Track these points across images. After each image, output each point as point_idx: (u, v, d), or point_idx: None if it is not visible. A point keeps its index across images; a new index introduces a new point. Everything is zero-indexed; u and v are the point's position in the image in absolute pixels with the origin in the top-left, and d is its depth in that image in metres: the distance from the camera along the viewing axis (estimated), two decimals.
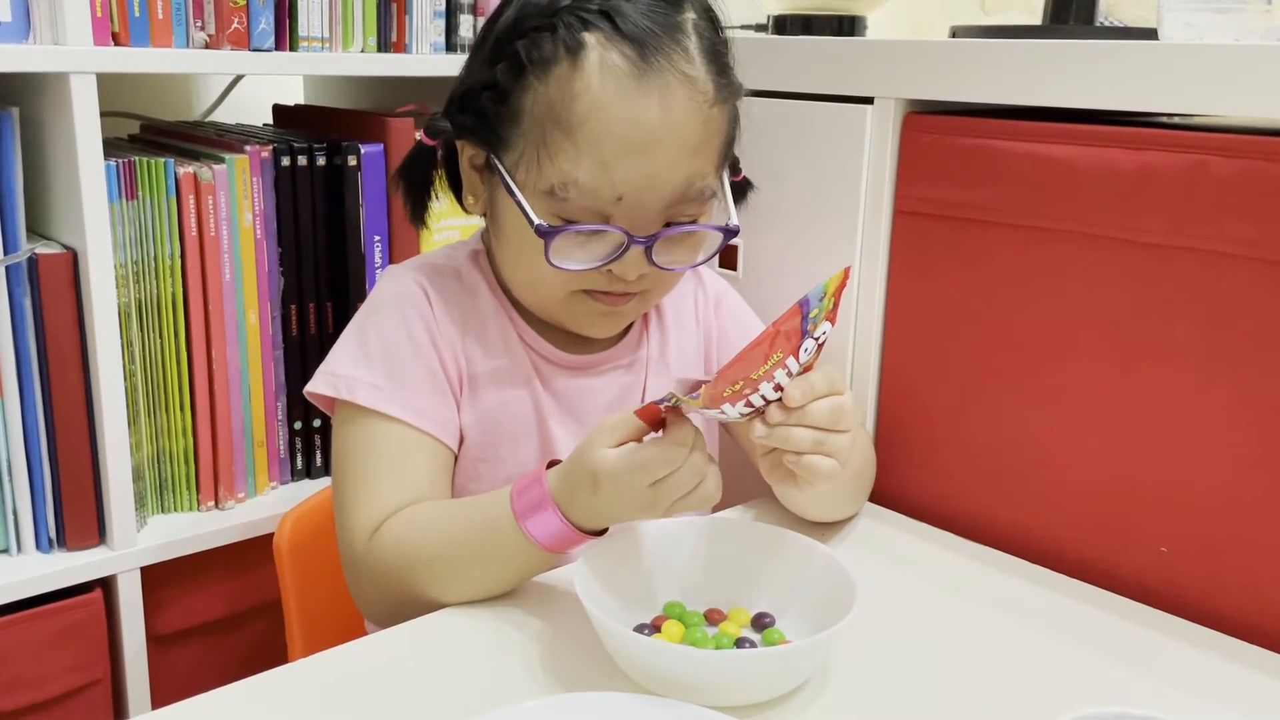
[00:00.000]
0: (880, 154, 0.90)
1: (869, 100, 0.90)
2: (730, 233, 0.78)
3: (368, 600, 0.78)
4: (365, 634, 0.87)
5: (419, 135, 0.83)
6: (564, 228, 0.74)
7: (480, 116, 0.77)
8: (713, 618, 0.72)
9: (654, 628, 0.70)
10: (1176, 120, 0.83)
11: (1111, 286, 0.79)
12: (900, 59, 0.88)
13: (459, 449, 0.82)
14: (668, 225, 0.76)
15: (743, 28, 1.43)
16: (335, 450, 0.80)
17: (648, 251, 0.75)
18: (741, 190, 0.86)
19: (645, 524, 0.74)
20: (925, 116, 0.88)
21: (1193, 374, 0.76)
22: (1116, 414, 0.80)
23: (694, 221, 0.77)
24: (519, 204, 0.74)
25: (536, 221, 0.74)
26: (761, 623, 0.71)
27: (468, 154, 0.80)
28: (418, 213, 0.88)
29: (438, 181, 0.86)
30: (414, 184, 0.86)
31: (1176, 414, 0.77)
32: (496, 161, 0.77)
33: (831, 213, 0.94)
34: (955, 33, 1.04)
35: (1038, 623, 0.75)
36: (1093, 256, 0.79)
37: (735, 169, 0.84)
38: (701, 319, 0.92)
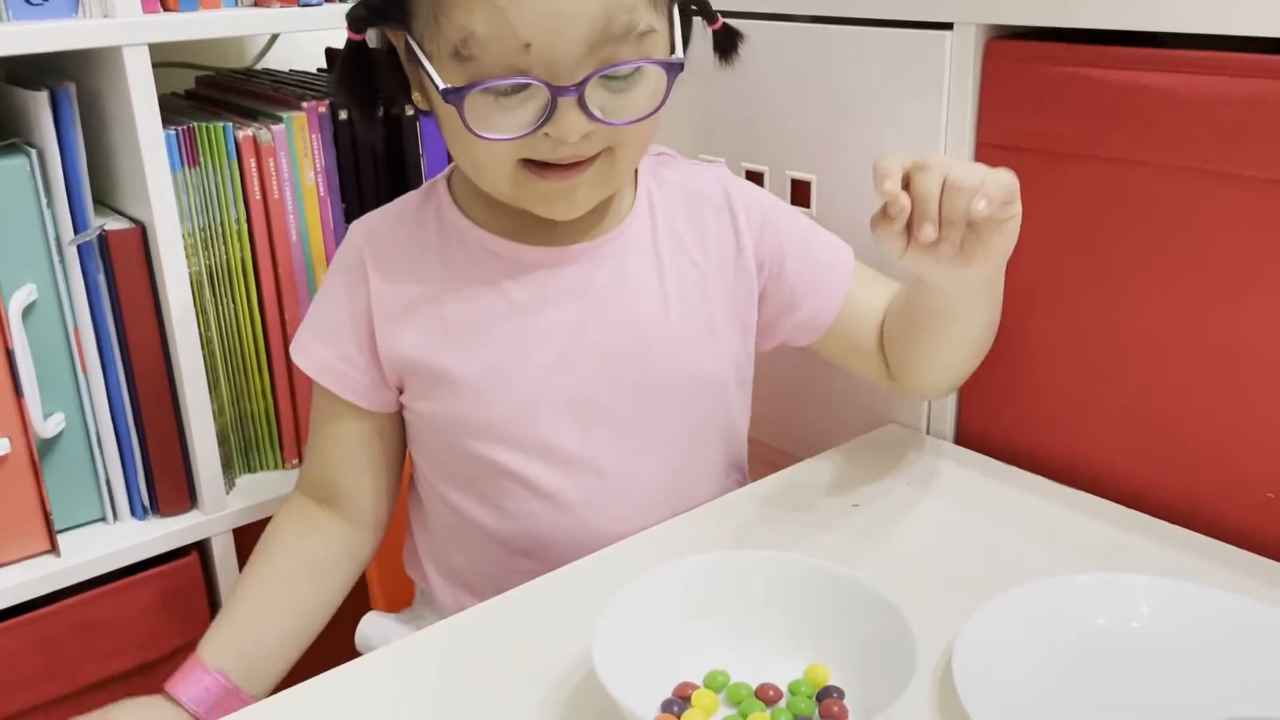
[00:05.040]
0: (961, 84, 0.85)
1: (948, 26, 0.85)
2: (674, 68, 0.70)
3: None
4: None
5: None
6: (471, 86, 0.67)
7: None
8: (765, 696, 0.62)
9: (683, 699, 0.61)
10: None
11: (1215, 223, 0.75)
12: None
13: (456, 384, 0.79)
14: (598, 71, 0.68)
15: None
16: None
17: (581, 104, 0.67)
18: (729, 40, 0.79)
19: (687, 562, 0.67)
20: (1009, 43, 0.83)
21: None
22: (1219, 355, 0.76)
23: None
24: (427, 73, 0.68)
25: (442, 85, 0.67)
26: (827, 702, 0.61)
27: (401, 46, 0.74)
28: (366, 116, 0.81)
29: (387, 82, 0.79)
30: (354, 88, 0.79)
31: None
32: (408, 37, 0.71)
33: (910, 147, 0.89)
34: None
35: (1136, 569, 0.72)
36: (1195, 192, 0.75)
37: (708, 12, 0.77)
38: (741, 223, 0.83)
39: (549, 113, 0.68)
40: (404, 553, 0.92)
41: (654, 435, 0.82)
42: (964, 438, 0.93)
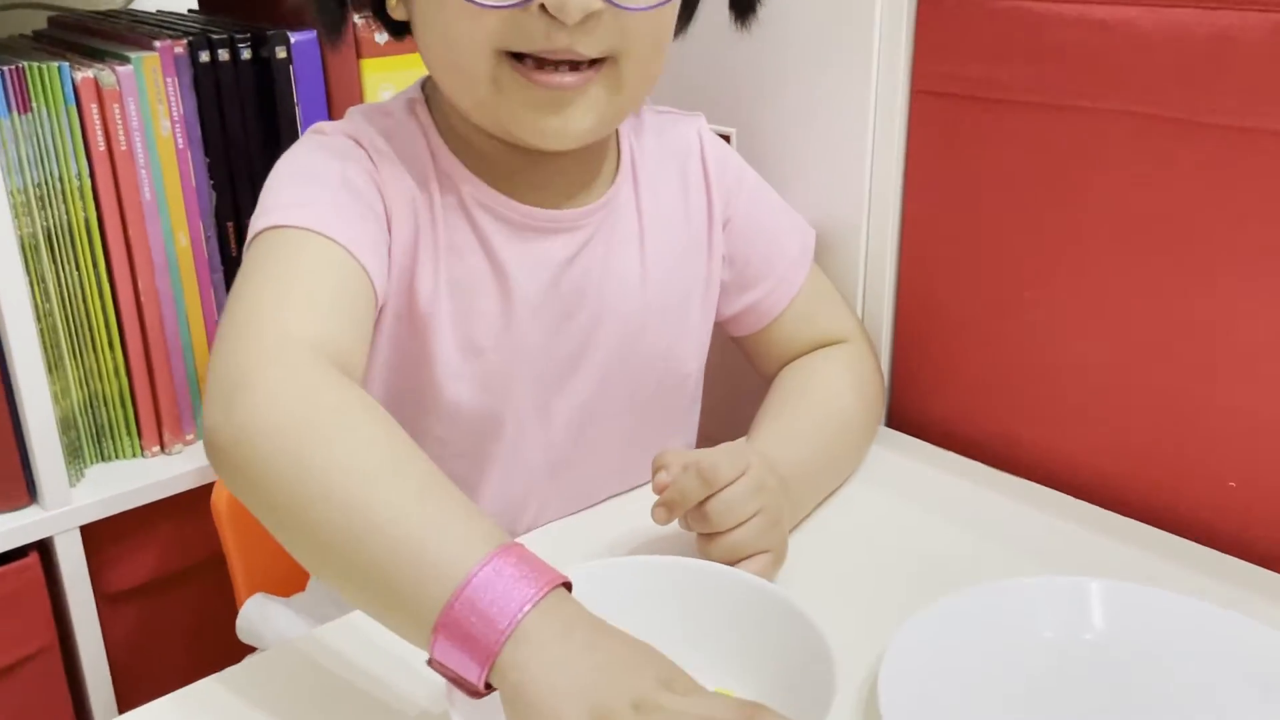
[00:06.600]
0: (895, 24, 0.76)
1: None
2: None
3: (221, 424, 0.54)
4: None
5: None
6: None
7: None
8: None
9: None
10: None
11: (1172, 178, 0.66)
12: None
13: (409, 312, 0.69)
14: None
15: None
16: (235, 283, 0.62)
17: None
18: (748, 1, 0.73)
19: (579, 571, 0.54)
20: None
21: (1269, 279, 0.64)
22: (1176, 327, 0.69)
23: None
24: None
25: None
26: None
27: None
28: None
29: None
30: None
31: (1248, 326, 0.66)
32: None
33: (839, 95, 0.81)
34: None
35: (1086, 569, 0.64)
36: (1151, 142, 0.67)
37: None
38: (714, 178, 0.77)
39: None
40: None
41: (610, 424, 0.76)
42: (897, 420, 0.85)
